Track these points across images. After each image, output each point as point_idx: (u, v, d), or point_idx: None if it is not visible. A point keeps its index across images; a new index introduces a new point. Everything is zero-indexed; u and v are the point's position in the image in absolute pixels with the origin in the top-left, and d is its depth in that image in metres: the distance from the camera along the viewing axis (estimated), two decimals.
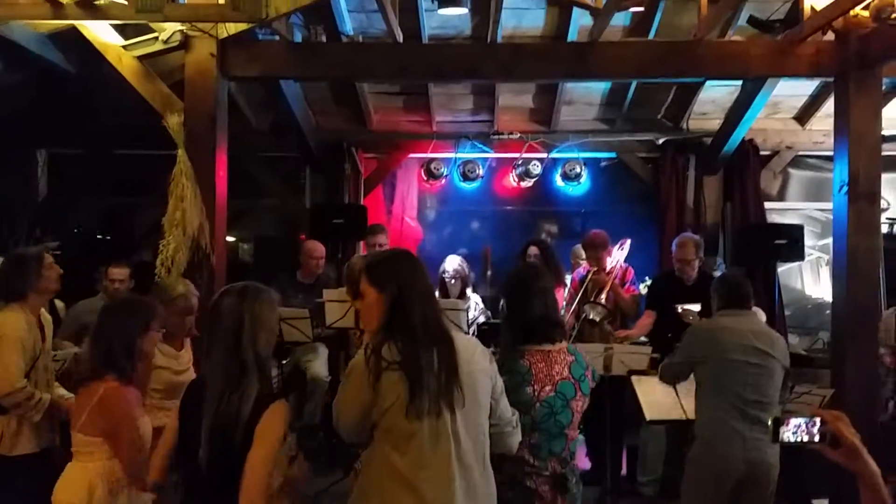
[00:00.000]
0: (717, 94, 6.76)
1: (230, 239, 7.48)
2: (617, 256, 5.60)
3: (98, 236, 8.14)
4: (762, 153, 7.20)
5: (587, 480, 5.32)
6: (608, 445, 5.17)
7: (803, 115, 7.11)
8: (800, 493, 4.88)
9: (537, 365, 2.64)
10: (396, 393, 2.17)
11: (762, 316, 4.92)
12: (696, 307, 5.07)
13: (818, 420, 1.60)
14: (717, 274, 5.98)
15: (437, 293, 5.74)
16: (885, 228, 6.05)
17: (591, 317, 5.35)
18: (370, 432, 2.24)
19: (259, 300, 2.35)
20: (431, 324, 2.27)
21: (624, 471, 5.51)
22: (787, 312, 7.23)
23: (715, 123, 7.04)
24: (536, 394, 2.62)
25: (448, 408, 2.19)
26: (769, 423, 1.65)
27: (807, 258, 7.13)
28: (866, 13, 4.29)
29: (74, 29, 4.56)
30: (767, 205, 7.28)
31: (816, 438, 1.61)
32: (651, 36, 5.44)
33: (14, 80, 6.17)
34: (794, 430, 1.63)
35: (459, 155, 7.32)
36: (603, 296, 5.36)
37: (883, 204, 5.70)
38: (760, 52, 4.73)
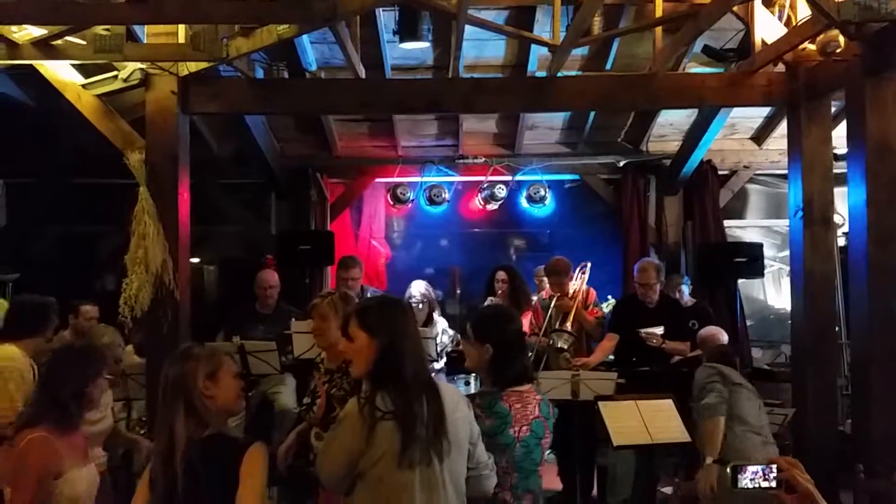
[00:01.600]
0: (675, 118, 6.91)
1: (194, 261, 7.43)
2: (579, 281, 5.68)
3: (59, 265, 8.02)
4: (721, 173, 7.37)
5: (558, 501, 5.47)
6: (578, 467, 5.24)
7: (759, 136, 7.29)
8: None
9: (515, 406, 2.66)
10: (389, 442, 2.21)
11: (723, 336, 5.05)
12: (660, 330, 5.17)
13: (774, 467, 1.68)
14: (684, 290, 6.11)
15: None
16: (842, 242, 6.22)
17: (558, 345, 5.42)
18: (353, 480, 2.27)
19: (181, 359, 2.36)
20: (421, 374, 2.33)
21: (595, 491, 5.57)
22: (749, 324, 7.40)
23: (674, 145, 7.19)
24: (516, 434, 2.65)
25: (437, 456, 2.24)
26: (728, 470, 1.72)
27: (768, 270, 7.30)
28: (813, 47, 4.44)
29: (33, 65, 4.52)
30: (728, 222, 7.46)
31: (773, 484, 1.68)
32: (608, 66, 5.56)
33: None
34: (752, 476, 1.70)
35: (425, 179, 7.36)
36: (568, 323, 5.43)
37: (838, 220, 5.88)
38: (714, 83, 4.85)
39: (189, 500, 2.22)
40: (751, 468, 1.70)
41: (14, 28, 4.00)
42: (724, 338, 5.22)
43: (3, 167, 7.34)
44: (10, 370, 3.53)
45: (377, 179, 7.51)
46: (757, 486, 1.69)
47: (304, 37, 5.43)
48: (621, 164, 7.31)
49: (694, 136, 6.83)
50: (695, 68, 5.66)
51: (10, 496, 2.58)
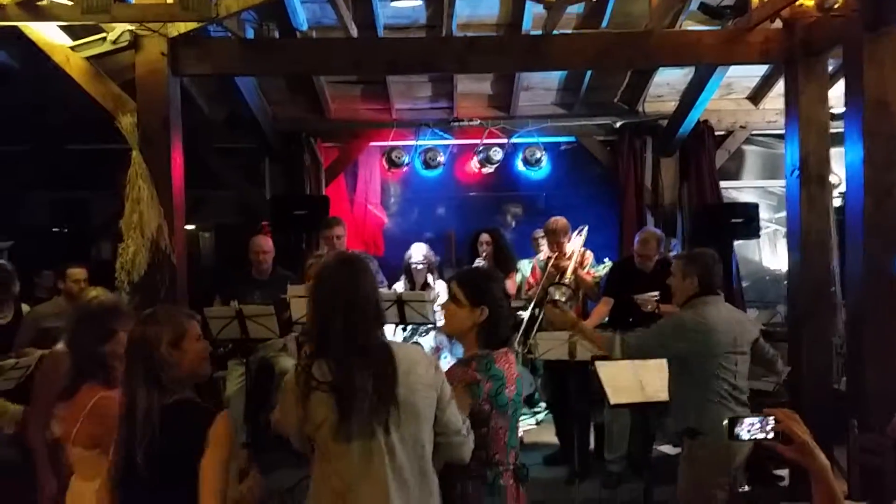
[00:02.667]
0: (671, 77, 6.84)
1: (190, 227, 7.40)
2: (576, 242, 5.68)
3: (55, 230, 8.00)
4: (717, 133, 7.32)
5: (556, 460, 5.54)
6: (575, 425, 5.30)
7: (756, 96, 7.23)
8: (762, 464, 5.06)
9: (504, 366, 2.63)
10: (325, 413, 2.16)
11: None
12: (655, 294, 5.18)
13: (771, 419, 1.69)
14: (673, 255, 6.11)
15: (403, 280, 5.83)
16: (837, 202, 6.22)
17: (556, 297, 5.42)
18: (310, 444, 2.25)
19: (158, 324, 2.35)
20: (369, 338, 2.21)
21: (592, 449, 5.64)
22: (744, 285, 7.43)
23: (670, 106, 7.13)
24: (509, 395, 2.62)
25: (382, 426, 2.16)
26: (725, 422, 1.73)
27: (764, 231, 7.31)
28: (811, 2, 4.37)
29: (18, 27, 4.43)
30: (724, 183, 7.44)
31: (770, 436, 1.69)
32: (604, 24, 5.47)
33: None
34: (749, 428, 1.71)
35: (420, 142, 7.31)
36: (567, 279, 5.45)
37: (834, 180, 5.86)
38: (711, 41, 4.79)
39: (150, 466, 2.21)
40: (748, 420, 1.71)
41: None
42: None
43: None
44: None
45: (372, 143, 7.45)
46: (754, 437, 1.70)
47: None
48: (617, 125, 7.25)
49: (690, 96, 6.76)
50: (691, 26, 5.59)
51: (105, 452, 2.53)
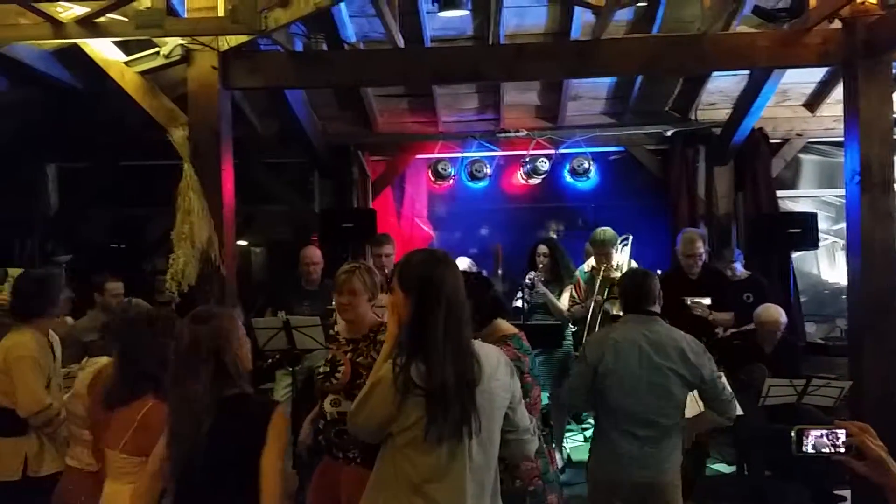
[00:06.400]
0: (724, 84, 6.70)
1: (242, 243, 7.52)
2: (624, 253, 5.57)
3: (112, 245, 8.21)
4: (772, 141, 7.14)
5: None
6: None
7: (813, 102, 7.03)
8: (821, 485, 4.85)
9: (528, 343, 2.83)
10: (418, 416, 2.16)
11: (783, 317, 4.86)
12: (706, 301, 5.04)
13: (842, 432, 1.58)
14: (737, 266, 5.94)
15: None
16: None
17: (613, 312, 5.32)
18: (385, 436, 2.26)
19: (215, 319, 2.36)
20: (458, 340, 2.20)
21: None
22: (802, 299, 7.18)
23: (724, 113, 6.98)
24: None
25: (468, 431, 2.17)
26: (792, 433, 1.62)
27: (822, 243, 7.07)
28: (873, 0, 4.22)
29: (78, 46, 4.58)
30: (780, 193, 7.23)
31: (841, 450, 1.58)
32: (655, 30, 5.38)
33: (21, 98, 6.24)
34: (816, 440, 1.60)
35: (466, 154, 7.30)
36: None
37: None
38: (766, 43, 4.66)
39: (213, 459, 2.22)
40: (815, 432, 1.59)
41: (59, 7, 4.05)
42: (784, 319, 5.08)
43: (54, 152, 7.54)
44: (23, 361, 3.42)
45: (418, 156, 7.48)
46: (823, 451, 1.59)
47: (343, 10, 5.40)
48: (669, 133, 7.12)
49: (744, 103, 6.60)
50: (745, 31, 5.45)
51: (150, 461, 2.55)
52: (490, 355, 2.30)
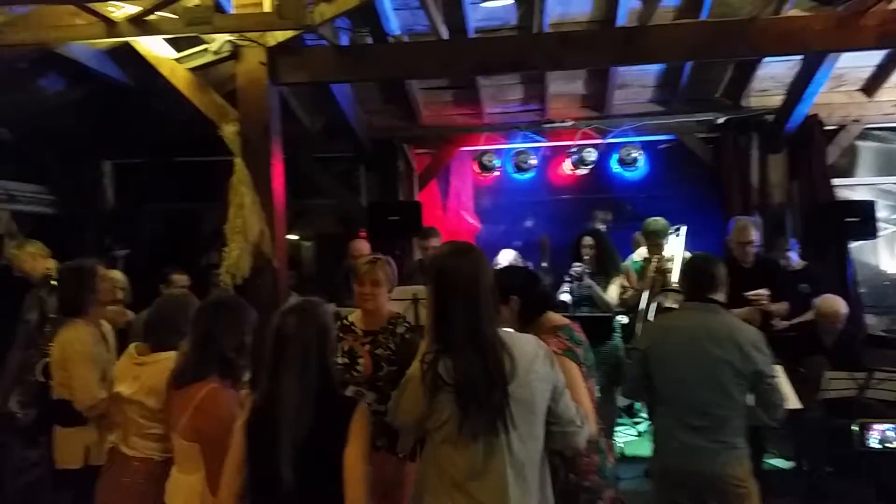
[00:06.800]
0: (776, 70, 6.53)
1: (292, 237, 7.64)
2: (676, 243, 5.47)
3: (165, 241, 8.44)
4: (828, 128, 6.93)
5: None
6: None
7: (870, 87, 6.80)
8: (887, 481, 4.69)
9: (581, 333, 2.77)
10: (451, 411, 2.15)
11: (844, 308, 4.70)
12: (766, 292, 4.93)
13: None
14: (792, 256, 5.79)
15: None
16: None
17: (667, 304, 5.23)
18: (425, 434, 2.26)
19: (318, 314, 2.37)
20: (487, 333, 2.16)
21: None
22: (862, 291, 6.96)
23: (776, 100, 6.80)
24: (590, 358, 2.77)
25: (503, 424, 2.14)
26: (854, 428, 1.57)
27: (881, 233, 6.84)
28: None
29: (130, 45, 4.69)
30: (836, 181, 7.01)
31: None
32: (703, 16, 5.27)
33: (77, 96, 6.43)
34: (880, 435, 1.55)
35: (511, 146, 7.26)
36: (674, 282, 5.24)
37: None
38: (821, 26, 4.49)
39: (296, 454, 2.22)
40: (879, 426, 1.55)
41: (111, 7, 4.16)
42: (845, 309, 4.93)
43: (110, 149, 7.76)
44: (78, 356, 3.49)
45: (463, 148, 7.47)
46: (888, 446, 1.54)
47: (387, 3, 5.43)
48: (720, 121, 6.97)
49: (798, 88, 6.42)
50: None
51: (203, 447, 2.57)
52: (526, 347, 2.24)
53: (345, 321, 3.50)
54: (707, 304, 3.23)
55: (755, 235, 5.03)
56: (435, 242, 5.89)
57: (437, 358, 2.16)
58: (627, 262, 5.65)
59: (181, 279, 5.19)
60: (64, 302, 3.73)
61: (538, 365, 2.22)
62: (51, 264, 4.99)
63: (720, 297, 3.26)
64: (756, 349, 3.14)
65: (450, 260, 2.26)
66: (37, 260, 4.91)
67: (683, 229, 5.51)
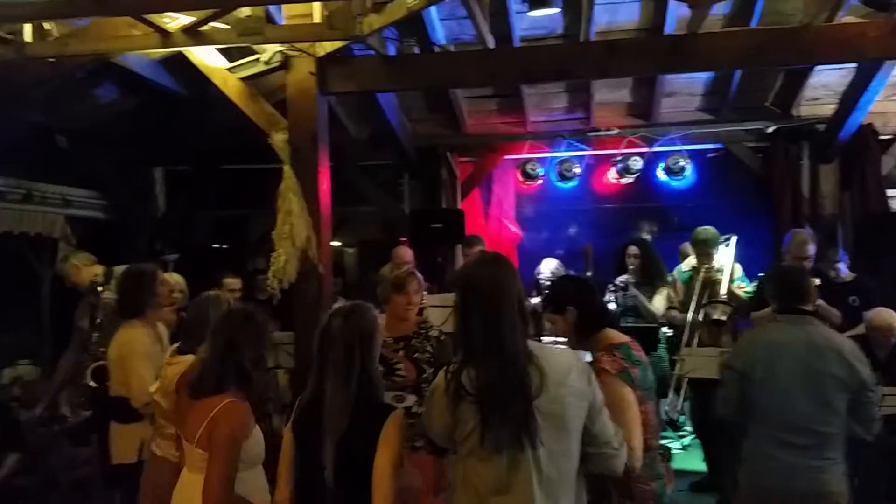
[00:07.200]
0: (829, 78, 6.39)
1: (335, 244, 7.72)
2: (725, 254, 5.39)
3: (214, 246, 8.62)
4: (882, 137, 6.73)
5: (704, 487, 5.23)
6: (725, 450, 4.99)
7: None
8: None
9: (639, 353, 2.70)
10: (474, 422, 2.12)
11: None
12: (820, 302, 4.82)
13: None
14: (841, 268, 5.64)
15: (534, 296, 5.77)
16: None
17: (715, 317, 5.15)
18: (455, 446, 2.24)
19: (365, 318, 2.40)
20: (514, 345, 2.12)
21: None
22: None
23: (828, 108, 6.66)
24: (650, 379, 2.70)
25: (529, 439, 2.08)
26: None
27: None
28: None
29: (183, 55, 4.82)
30: (891, 192, 6.81)
31: None
32: (753, 24, 5.19)
33: (131, 105, 6.61)
34: None
35: (555, 154, 7.23)
36: (723, 294, 5.17)
37: None
38: (876, 33, 4.38)
39: (347, 460, 2.24)
40: None
41: (167, 18, 4.27)
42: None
43: (162, 156, 7.96)
44: (134, 356, 3.62)
45: (506, 156, 7.48)
46: None
47: (434, 13, 5.47)
48: (770, 130, 6.84)
49: (851, 97, 6.26)
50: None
51: (210, 457, 2.57)
52: (559, 360, 2.19)
53: None
54: (803, 317, 3.14)
55: (812, 250, 4.93)
56: (479, 250, 5.91)
57: (460, 367, 2.15)
58: (675, 273, 5.58)
59: (234, 283, 5.35)
60: (124, 304, 3.88)
61: (572, 379, 2.15)
62: (98, 270, 5.15)
63: (811, 307, 3.19)
64: (858, 360, 3.05)
65: (474, 269, 2.27)
66: (82, 270, 5.06)
67: (734, 239, 5.43)
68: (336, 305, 2.63)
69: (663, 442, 5.83)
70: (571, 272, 6.35)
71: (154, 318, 3.87)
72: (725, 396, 3.25)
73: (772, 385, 3.05)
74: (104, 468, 4.25)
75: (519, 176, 7.39)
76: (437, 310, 4.78)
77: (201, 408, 2.64)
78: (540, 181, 7.35)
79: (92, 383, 4.76)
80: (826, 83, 6.48)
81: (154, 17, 4.12)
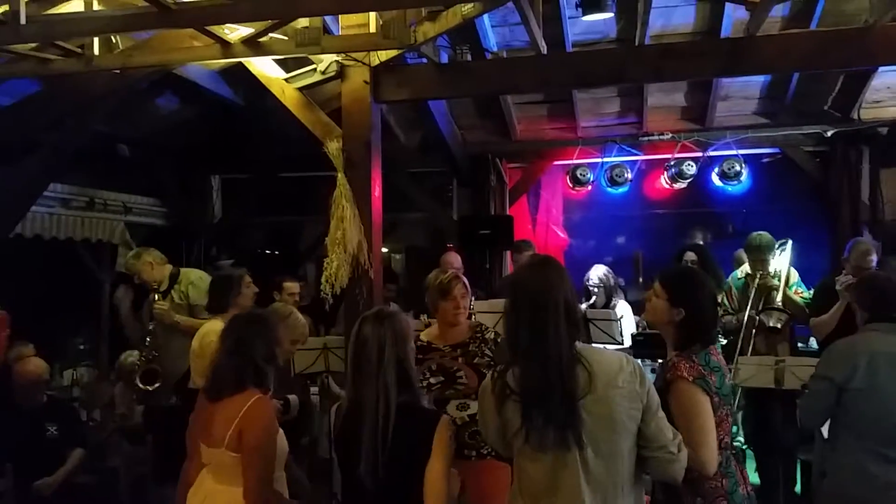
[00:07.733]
0: (892, 80, 6.21)
1: (383, 249, 7.80)
2: (781, 260, 5.27)
3: (267, 252, 8.79)
4: None
5: (758, 497, 5.12)
6: (780, 462, 4.89)
7: None
8: None
9: (718, 358, 2.56)
10: (520, 422, 2.15)
11: None
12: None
13: None
14: None
15: (582, 301, 5.74)
16: None
17: (770, 324, 5.05)
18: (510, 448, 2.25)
19: (396, 321, 2.42)
20: (556, 346, 2.12)
21: (798, 487, 5.16)
22: None
23: (891, 112, 6.48)
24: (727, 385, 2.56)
25: (575, 440, 2.08)
26: None
27: None
28: None
29: (242, 65, 4.93)
30: None
31: None
32: (813, 26, 5.08)
33: (191, 115, 6.81)
34: None
35: (606, 159, 7.18)
36: (779, 300, 5.06)
37: None
38: None
39: (383, 467, 2.25)
40: None
41: (227, 29, 4.39)
42: None
43: (218, 164, 8.16)
44: (213, 347, 3.75)
45: (556, 162, 7.45)
46: None
47: (486, 20, 5.48)
48: (829, 134, 6.67)
49: None
50: None
51: (246, 458, 2.57)
52: (609, 360, 2.18)
53: (420, 341, 3.51)
54: None
55: (875, 261, 4.80)
56: (529, 255, 5.91)
57: (507, 368, 2.19)
58: (729, 280, 5.48)
59: (293, 287, 5.49)
60: (212, 302, 4.44)
61: (622, 380, 2.14)
62: (167, 271, 5.32)
63: None
64: None
65: (523, 272, 2.32)
66: (155, 268, 5.24)
67: (789, 244, 5.31)
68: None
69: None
70: (622, 280, 6.29)
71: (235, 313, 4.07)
72: (813, 408, 3.18)
73: (869, 395, 2.98)
74: (156, 467, 4.48)
75: (568, 181, 7.34)
76: (487, 316, 4.80)
77: (225, 409, 2.65)
78: (590, 187, 7.29)
79: (140, 385, 4.99)
80: (889, 85, 6.29)
81: (215, 29, 4.24)
